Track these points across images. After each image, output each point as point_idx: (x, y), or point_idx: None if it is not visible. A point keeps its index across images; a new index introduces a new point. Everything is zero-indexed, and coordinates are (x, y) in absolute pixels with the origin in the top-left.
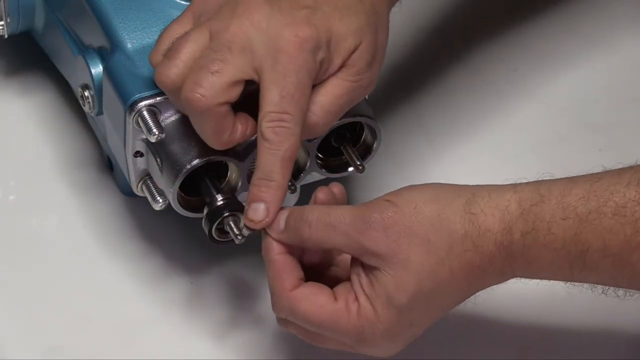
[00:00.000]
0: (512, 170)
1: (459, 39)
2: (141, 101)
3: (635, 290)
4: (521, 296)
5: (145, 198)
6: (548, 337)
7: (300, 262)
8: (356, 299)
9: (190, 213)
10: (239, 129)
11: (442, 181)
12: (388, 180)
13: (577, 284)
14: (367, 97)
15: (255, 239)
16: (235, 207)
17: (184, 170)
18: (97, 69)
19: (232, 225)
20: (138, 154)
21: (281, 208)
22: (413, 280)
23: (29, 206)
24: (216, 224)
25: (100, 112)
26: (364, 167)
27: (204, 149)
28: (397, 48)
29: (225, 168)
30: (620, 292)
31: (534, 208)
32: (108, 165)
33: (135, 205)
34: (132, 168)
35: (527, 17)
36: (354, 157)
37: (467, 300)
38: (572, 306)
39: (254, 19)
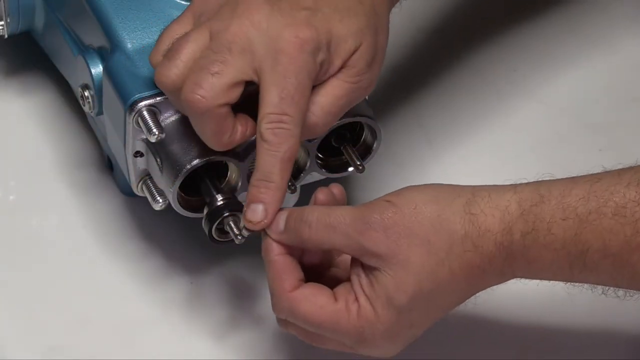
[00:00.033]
0: (512, 171)
1: (459, 40)
2: (141, 101)
3: (635, 291)
4: (521, 297)
5: (145, 198)
6: (548, 338)
7: (300, 263)
8: (356, 299)
9: (190, 213)
10: (239, 130)
11: (442, 181)
12: (388, 180)
13: (577, 284)
14: (367, 97)
15: (255, 239)
16: (235, 207)
17: (184, 170)
18: (97, 69)
19: (232, 225)
20: (138, 154)
21: (281, 209)
22: (413, 281)
23: (29, 206)
24: (216, 224)
25: (100, 112)
26: (364, 167)
27: (204, 149)
28: (397, 48)
29: (225, 168)
30: (620, 292)
31: (534, 208)
32: (108, 165)
33: (135, 205)
34: (132, 168)
35: (527, 18)
36: (354, 157)
37: (467, 300)
38: (572, 306)
39: (254, 20)
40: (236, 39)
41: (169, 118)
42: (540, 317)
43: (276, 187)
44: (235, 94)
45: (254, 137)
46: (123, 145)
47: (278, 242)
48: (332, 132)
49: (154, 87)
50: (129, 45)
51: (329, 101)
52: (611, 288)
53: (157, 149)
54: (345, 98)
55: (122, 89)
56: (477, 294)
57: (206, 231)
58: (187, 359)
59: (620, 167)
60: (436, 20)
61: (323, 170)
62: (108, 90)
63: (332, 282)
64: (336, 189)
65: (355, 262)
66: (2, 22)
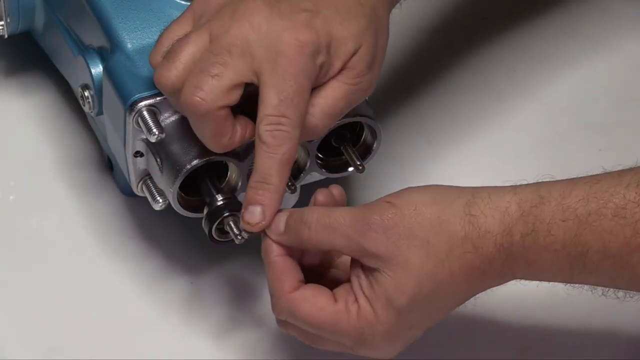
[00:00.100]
0: (512, 171)
1: (459, 40)
2: (141, 101)
3: (635, 292)
4: (521, 297)
5: (145, 198)
6: (548, 338)
7: (300, 264)
8: (356, 300)
9: (190, 213)
10: (238, 132)
11: (442, 181)
12: (388, 180)
13: (577, 285)
14: (367, 97)
15: (256, 240)
16: (235, 207)
17: (184, 170)
18: (97, 69)
19: (232, 225)
20: (138, 154)
21: (280, 210)
22: (412, 282)
23: (29, 206)
24: (216, 224)
25: (100, 112)
26: (364, 167)
27: (204, 149)
28: (397, 48)
29: (225, 168)
30: (620, 293)
31: (533, 209)
32: (108, 165)
33: (135, 205)
34: (132, 168)
35: (527, 18)
36: (354, 157)
37: (466, 301)
38: (572, 307)
39: (254, 22)
40: (236, 41)
41: (169, 118)
42: (540, 318)
43: (274, 189)
44: (234, 96)
45: (253, 138)
46: (123, 145)
47: (278, 243)
48: (332, 132)
49: (154, 87)
50: (129, 45)
51: (328, 103)
52: (611, 289)
53: (157, 149)
54: (344, 100)
55: (122, 89)
56: (477, 295)
57: (206, 231)
58: (187, 359)
59: (620, 167)
60: (436, 20)
61: (323, 170)
62: (108, 90)
63: (332, 283)
64: (336, 190)
65: (355, 263)
66: (2, 22)
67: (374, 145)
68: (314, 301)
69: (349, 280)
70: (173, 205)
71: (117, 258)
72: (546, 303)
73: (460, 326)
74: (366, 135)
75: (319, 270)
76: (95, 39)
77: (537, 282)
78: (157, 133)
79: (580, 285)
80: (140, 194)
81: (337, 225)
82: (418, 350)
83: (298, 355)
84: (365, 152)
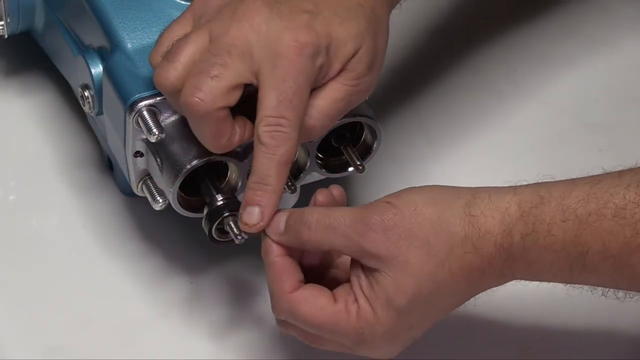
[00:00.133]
0: (512, 171)
1: (459, 40)
2: (141, 101)
3: (635, 292)
4: (521, 298)
5: (145, 198)
6: (548, 339)
7: (300, 264)
8: (356, 300)
9: (190, 213)
10: (237, 132)
11: (442, 181)
12: (388, 180)
13: (577, 285)
14: (367, 98)
15: (256, 239)
16: (235, 207)
17: (184, 170)
18: (97, 69)
19: (232, 225)
20: (138, 154)
21: (280, 210)
22: (412, 283)
23: (29, 206)
24: (216, 224)
25: (100, 112)
26: (364, 167)
27: (203, 149)
28: (397, 48)
29: (225, 168)
30: (620, 294)
31: (533, 210)
32: (108, 165)
33: (135, 205)
34: (132, 168)
35: (527, 18)
36: (354, 157)
37: (466, 302)
38: (572, 307)
39: (253, 23)
40: (236, 42)
41: (168, 118)
42: (540, 318)
43: (272, 190)
44: (234, 97)
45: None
46: (123, 145)
47: (278, 243)
48: (332, 132)
49: (154, 87)
50: (129, 45)
51: (327, 104)
52: (611, 290)
53: (157, 149)
54: (343, 101)
55: (122, 89)
56: (477, 295)
57: (206, 231)
58: (187, 359)
59: (620, 167)
60: (436, 20)
61: (323, 170)
62: (108, 90)
63: (331, 284)
64: (336, 190)
65: (355, 263)
66: (2, 22)
67: (374, 145)
68: (314, 301)
69: (349, 281)
70: (173, 205)
71: (117, 258)
72: (546, 303)
73: (460, 326)
74: (366, 135)
75: (319, 271)
76: (95, 39)
77: (537, 282)
78: (157, 133)
79: (580, 285)
80: (140, 194)
81: (337, 225)
82: (418, 350)
83: (298, 355)
84: (365, 152)
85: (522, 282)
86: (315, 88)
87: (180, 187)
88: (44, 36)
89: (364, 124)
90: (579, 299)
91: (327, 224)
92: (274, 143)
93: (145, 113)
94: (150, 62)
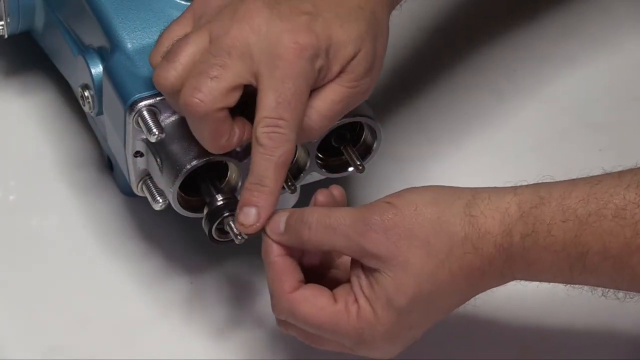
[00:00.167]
0: (513, 170)
1: (460, 39)
2: (141, 101)
3: (635, 293)
4: (521, 298)
5: (145, 198)
6: (548, 339)
7: (300, 264)
8: (356, 300)
9: (190, 213)
10: (236, 133)
11: (442, 181)
12: (388, 180)
13: (577, 286)
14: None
15: (256, 239)
16: (235, 207)
17: (184, 170)
18: (97, 69)
19: (232, 225)
20: (138, 154)
21: (281, 210)
22: (413, 283)
23: (29, 206)
24: (216, 224)
25: (100, 112)
26: (364, 167)
27: (203, 149)
28: (397, 49)
29: (225, 168)
30: (620, 294)
31: (533, 210)
32: (108, 165)
33: (135, 205)
34: (132, 168)
35: (527, 18)
36: (354, 157)
37: (466, 302)
38: (572, 308)
39: (254, 24)
40: (236, 43)
41: (168, 118)
42: (540, 318)
43: (269, 191)
44: (233, 98)
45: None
46: (123, 145)
47: (278, 243)
48: (332, 132)
49: (154, 87)
50: (129, 45)
51: (325, 106)
52: (611, 290)
53: (157, 149)
54: (342, 103)
55: (122, 89)
56: (477, 295)
57: (206, 231)
58: (187, 359)
59: (620, 167)
60: (436, 20)
61: (323, 170)
62: (108, 90)
63: (332, 284)
64: (336, 190)
65: (355, 263)
66: (2, 22)
67: (374, 145)
68: (314, 301)
69: (349, 281)
70: (173, 205)
71: (117, 258)
72: (546, 303)
73: (460, 326)
74: (366, 135)
75: (319, 271)
76: (95, 39)
77: (537, 282)
78: (157, 133)
79: (580, 286)
80: (140, 194)
81: (338, 225)
82: (418, 350)
83: (298, 355)
84: (365, 152)
85: (522, 282)
86: (314, 89)
87: (180, 187)
88: (44, 36)
89: (364, 124)
90: (579, 299)
91: (327, 224)
92: (272, 144)
93: (145, 113)
94: (150, 62)
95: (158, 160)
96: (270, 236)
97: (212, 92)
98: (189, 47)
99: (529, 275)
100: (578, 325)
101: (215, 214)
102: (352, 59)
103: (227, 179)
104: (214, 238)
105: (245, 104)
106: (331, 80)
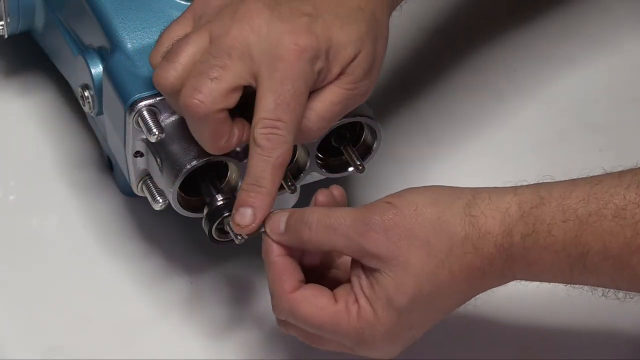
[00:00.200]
0: (513, 171)
1: (460, 40)
2: (141, 101)
3: (635, 293)
4: (521, 298)
5: (145, 198)
6: (548, 339)
7: (301, 264)
8: (356, 300)
9: (190, 213)
10: (235, 134)
11: (442, 182)
12: (388, 180)
13: (577, 286)
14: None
15: (255, 239)
16: None
17: (184, 170)
18: (97, 69)
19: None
20: (138, 154)
21: (281, 210)
22: (413, 283)
23: (29, 206)
24: (216, 224)
25: (100, 112)
26: (364, 167)
27: (203, 149)
28: (397, 49)
29: (225, 168)
30: (621, 294)
31: (534, 210)
32: (108, 165)
33: (135, 205)
34: (132, 168)
35: (527, 18)
36: (354, 157)
37: (467, 302)
38: (572, 308)
39: (254, 24)
40: (236, 44)
41: (168, 118)
42: (540, 318)
43: (266, 192)
44: (233, 99)
45: None
46: (123, 145)
47: (278, 243)
48: (332, 132)
49: (154, 87)
50: (129, 45)
51: (324, 107)
52: (611, 290)
53: (157, 149)
54: (341, 104)
55: (122, 89)
56: (477, 295)
57: (206, 231)
58: (187, 359)
59: (620, 167)
60: (437, 21)
61: (323, 170)
62: (108, 90)
63: (332, 284)
64: (336, 190)
65: (355, 263)
66: (2, 22)
67: (374, 145)
68: (315, 301)
69: (349, 281)
70: (173, 205)
71: (117, 258)
72: (546, 303)
73: (460, 326)
74: (366, 135)
75: (319, 271)
76: (95, 39)
77: (537, 282)
78: (157, 133)
79: (580, 285)
80: (140, 194)
81: (338, 225)
82: (418, 350)
83: (298, 355)
84: (365, 152)
85: (523, 282)
86: (313, 91)
87: (180, 187)
88: (44, 36)
89: (364, 124)
90: (579, 299)
91: (327, 224)
92: (270, 145)
93: (145, 113)
94: (150, 62)
95: (158, 160)
96: (271, 236)
97: (212, 93)
98: (189, 47)
99: (530, 275)
100: (578, 325)
101: (215, 214)
102: (352, 60)
103: (227, 179)
104: (214, 238)
105: (244, 105)
106: (330, 82)
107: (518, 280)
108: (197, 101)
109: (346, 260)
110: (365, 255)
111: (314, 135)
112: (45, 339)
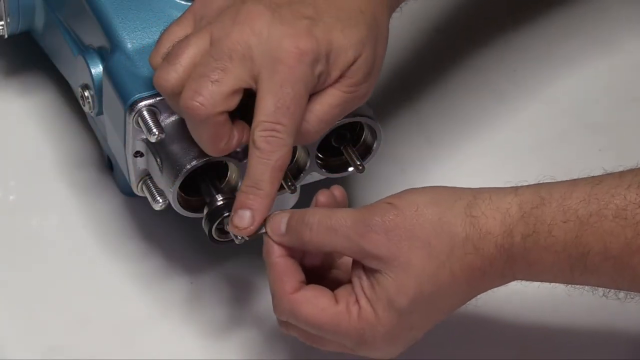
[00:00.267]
0: (513, 171)
1: (460, 40)
2: (141, 101)
3: (636, 293)
4: (522, 298)
5: (145, 198)
6: (549, 339)
7: (302, 265)
8: (357, 301)
9: (190, 213)
10: (235, 136)
11: (442, 182)
12: (388, 180)
13: (577, 286)
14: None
15: (255, 240)
16: None
17: (184, 170)
18: (97, 69)
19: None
20: (138, 154)
21: (282, 211)
22: (414, 283)
23: (29, 206)
24: (216, 224)
25: (100, 112)
26: (364, 167)
27: None
28: (397, 49)
29: (225, 168)
30: (621, 294)
31: (534, 211)
32: (108, 165)
33: (135, 205)
34: (132, 168)
35: (527, 18)
36: (354, 157)
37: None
38: (572, 307)
39: (255, 27)
40: (237, 46)
41: (168, 118)
42: (540, 318)
43: (265, 195)
44: (234, 102)
45: None
46: (123, 145)
47: (279, 244)
48: (332, 132)
49: (154, 87)
50: (129, 45)
51: (323, 109)
52: (612, 290)
53: (157, 149)
54: (340, 107)
55: (122, 89)
56: (478, 295)
57: (206, 231)
58: (187, 359)
59: (620, 167)
60: (437, 21)
61: (323, 170)
62: (108, 90)
63: (333, 284)
64: (337, 190)
65: (356, 264)
66: (2, 22)
67: (374, 146)
68: (315, 302)
69: (350, 282)
70: (173, 205)
71: (117, 258)
72: (547, 303)
73: (461, 326)
74: (366, 135)
75: (320, 271)
76: (95, 39)
77: (537, 282)
78: (157, 133)
79: (581, 286)
80: (140, 194)
81: (339, 226)
82: (419, 350)
83: (298, 355)
84: (365, 152)
85: (523, 282)
86: (312, 93)
87: (180, 187)
88: (44, 36)
89: (364, 124)
90: (580, 299)
91: (328, 225)
92: (270, 148)
93: (145, 113)
94: (150, 63)
95: (158, 160)
96: (272, 237)
97: (212, 95)
98: (189, 49)
99: (530, 275)
100: (579, 325)
101: (215, 214)
102: (352, 64)
103: (227, 179)
104: (214, 238)
105: (244, 106)
106: (330, 85)
107: (519, 281)
108: (197, 104)
109: (347, 260)
110: (366, 256)
111: (312, 137)
112: (45, 339)
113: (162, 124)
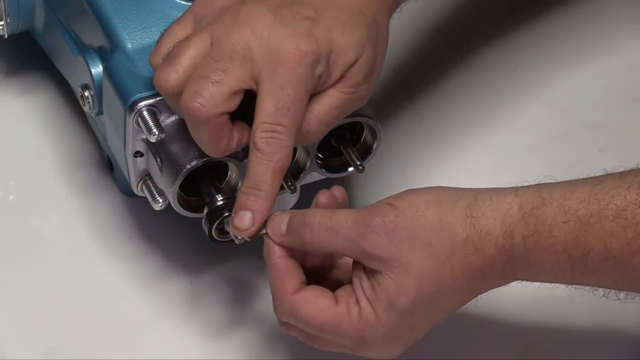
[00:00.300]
0: (513, 171)
1: (460, 40)
2: (141, 101)
3: (636, 293)
4: (523, 298)
5: (145, 198)
6: (549, 339)
7: (302, 266)
8: (357, 302)
9: (190, 213)
10: (235, 137)
11: (443, 182)
12: (389, 180)
13: (578, 286)
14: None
15: (255, 240)
16: None
17: (184, 170)
18: (97, 69)
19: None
20: (138, 154)
21: (282, 211)
22: (414, 284)
23: (29, 206)
24: (216, 224)
25: (100, 112)
26: (364, 167)
27: None
28: (397, 49)
29: (225, 168)
30: (622, 295)
31: (535, 211)
32: (108, 165)
33: (135, 205)
34: (132, 168)
35: (527, 18)
36: (354, 157)
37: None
38: (573, 308)
39: (255, 28)
40: (237, 47)
41: (168, 118)
42: (541, 318)
43: (266, 196)
44: (234, 103)
45: None
46: (123, 145)
47: (280, 244)
48: (332, 132)
49: (154, 87)
50: (129, 45)
51: (323, 110)
52: (612, 291)
53: (157, 149)
54: (340, 108)
55: (122, 89)
56: (479, 296)
57: (206, 231)
58: (187, 359)
59: (620, 167)
60: (437, 21)
61: (323, 170)
62: (108, 90)
63: (333, 285)
64: (338, 191)
65: (357, 264)
66: (2, 22)
67: (374, 146)
68: (316, 303)
69: (350, 282)
70: (173, 205)
71: (117, 258)
72: (547, 303)
73: (461, 326)
74: (366, 135)
75: (320, 272)
76: (95, 39)
77: (538, 283)
78: (157, 133)
79: (581, 286)
80: (140, 194)
81: (339, 227)
82: (419, 350)
83: (298, 355)
84: (365, 152)
85: (524, 282)
86: (313, 94)
87: (180, 187)
88: (44, 36)
89: (364, 124)
90: (580, 300)
91: (329, 226)
92: (270, 149)
93: (145, 113)
94: (150, 63)
95: (158, 160)
96: (272, 238)
97: (213, 96)
98: (190, 50)
99: (530, 276)
100: (579, 325)
101: (215, 214)
102: (353, 65)
103: (227, 179)
104: (214, 238)
105: (244, 107)
106: (330, 86)
107: (519, 281)
108: (198, 105)
109: (347, 261)
110: (366, 257)
111: (313, 138)
112: (45, 339)
113: (162, 124)
